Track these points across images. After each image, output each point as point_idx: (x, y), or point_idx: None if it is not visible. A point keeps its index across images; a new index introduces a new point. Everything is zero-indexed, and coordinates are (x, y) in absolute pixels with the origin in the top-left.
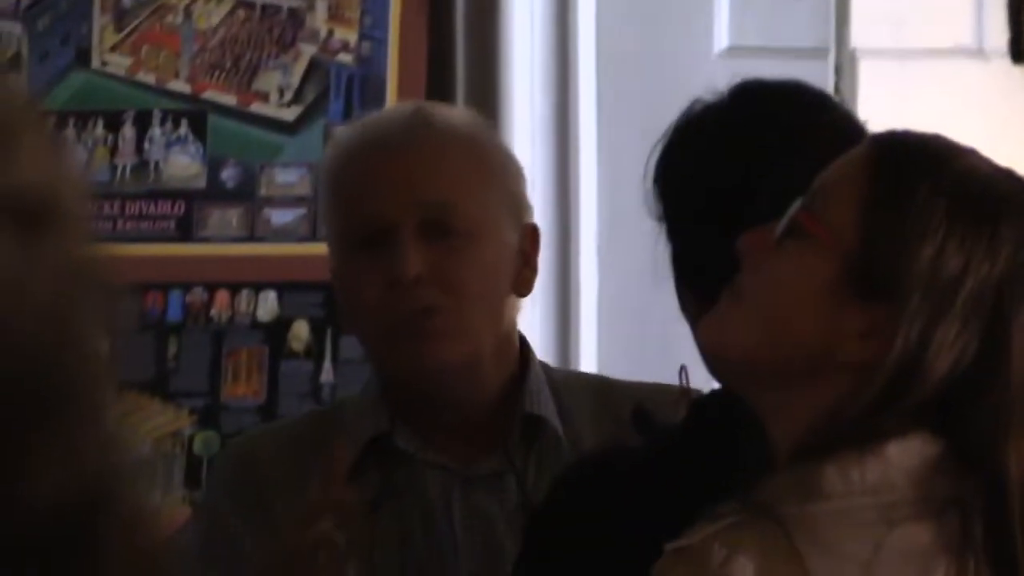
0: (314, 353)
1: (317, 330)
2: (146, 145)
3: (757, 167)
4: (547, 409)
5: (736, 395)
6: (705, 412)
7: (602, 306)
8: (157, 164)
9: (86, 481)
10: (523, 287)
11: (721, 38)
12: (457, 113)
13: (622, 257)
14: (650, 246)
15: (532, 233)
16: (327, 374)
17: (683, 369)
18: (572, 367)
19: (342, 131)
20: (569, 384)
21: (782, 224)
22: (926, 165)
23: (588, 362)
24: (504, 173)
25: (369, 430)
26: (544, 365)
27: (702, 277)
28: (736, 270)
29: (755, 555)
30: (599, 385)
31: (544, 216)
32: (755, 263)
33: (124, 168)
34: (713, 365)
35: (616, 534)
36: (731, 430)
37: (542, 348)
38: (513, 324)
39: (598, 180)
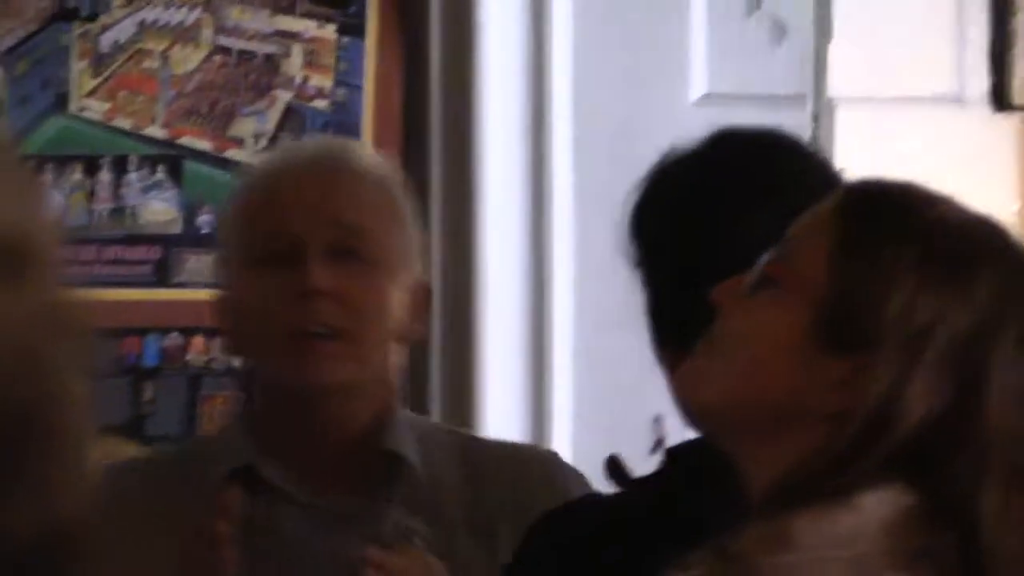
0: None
1: None
2: (123, 190)
3: (732, 216)
4: (409, 449)
5: (711, 444)
6: (680, 461)
7: (577, 354)
8: (134, 209)
9: (58, 521)
10: (411, 335)
11: (698, 85)
12: (377, 158)
13: (597, 305)
14: (626, 293)
15: (425, 291)
16: None
17: (658, 418)
18: (546, 413)
19: (260, 157)
20: (433, 434)
21: (754, 274)
22: (896, 213)
23: (562, 408)
24: (409, 221)
25: (236, 461)
26: (411, 415)
27: (677, 326)
28: (711, 320)
29: None
30: (462, 439)
31: (520, 264)
32: (729, 313)
33: (101, 213)
34: (688, 414)
35: None
36: (705, 479)
37: (516, 393)
38: (393, 366)
39: (574, 230)
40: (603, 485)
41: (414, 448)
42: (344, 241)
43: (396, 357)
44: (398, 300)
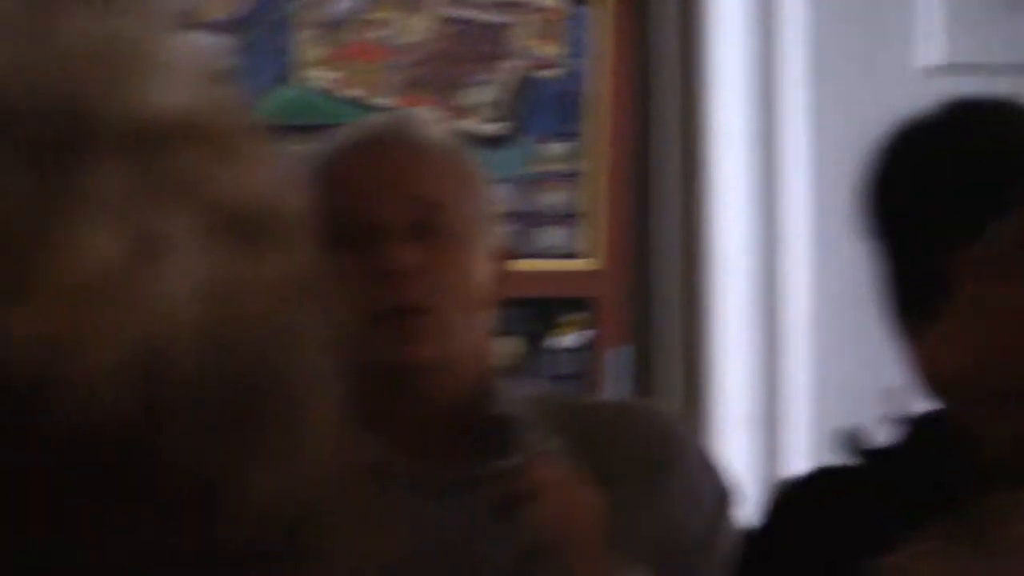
0: (524, 369)
1: (531, 344)
2: None
3: (972, 186)
4: (516, 410)
5: (951, 414)
6: (921, 431)
7: (813, 325)
8: None
9: (304, 492)
10: (493, 300)
11: (935, 54)
12: (441, 126)
13: (833, 275)
14: (862, 264)
15: (504, 254)
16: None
17: (895, 389)
18: (780, 386)
19: (326, 138)
20: (538, 400)
21: (998, 244)
22: None
23: (797, 381)
24: (485, 191)
25: None
26: (514, 384)
27: (918, 296)
28: (953, 290)
29: (966, 574)
30: (568, 401)
31: (753, 234)
32: (972, 283)
33: None
34: (928, 384)
35: (832, 554)
36: (946, 449)
37: (750, 367)
38: (486, 332)
39: (807, 199)
40: (840, 457)
41: (519, 409)
42: (423, 217)
43: (486, 325)
44: (480, 268)
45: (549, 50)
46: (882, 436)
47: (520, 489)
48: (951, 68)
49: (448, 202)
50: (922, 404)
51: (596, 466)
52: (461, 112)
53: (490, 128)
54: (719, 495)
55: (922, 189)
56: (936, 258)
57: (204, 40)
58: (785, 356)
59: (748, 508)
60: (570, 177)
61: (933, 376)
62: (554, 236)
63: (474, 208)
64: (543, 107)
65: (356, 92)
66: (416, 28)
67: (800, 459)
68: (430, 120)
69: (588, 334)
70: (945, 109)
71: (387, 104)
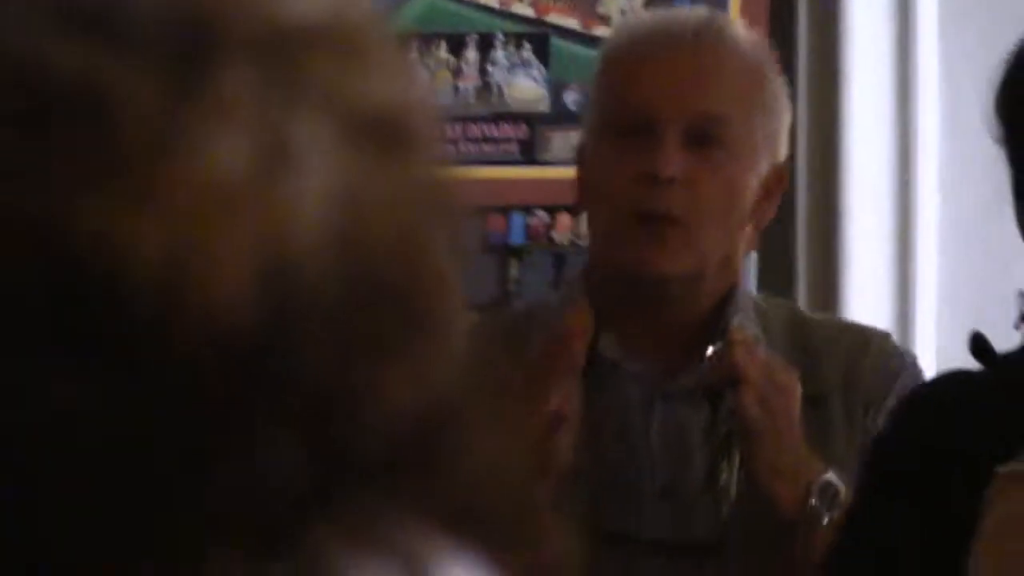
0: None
1: None
2: (489, 68)
3: None
4: (749, 325)
5: None
6: None
7: (943, 230)
8: (500, 87)
9: (432, 399)
10: (759, 220)
11: None
12: (748, 34)
13: (964, 180)
14: (993, 169)
15: (780, 174)
16: None
17: (1022, 294)
18: (911, 291)
19: (630, 19)
20: (770, 310)
21: None
22: None
23: (927, 285)
24: (776, 106)
25: None
26: (749, 293)
27: None
28: None
29: None
30: (798, 316)
31: (887, 140)
32: None
33: (467, 91)
34: None
35: (958, 459)
36: None
37: (881, 272)
38: (737, 249)
39: (940, 105)
40: (969, 362)
41: (754, 325)
42: (703, 128)
43: (743, 238)
44: (752, 187)
45: None
46: (1012, 341)
47: (723, 372)
48: None
49: (733, 117)
50: None
51: (814, 377)
52: (599, 20)
53: None
54: None
55: None
56: None
57: None
58: (916, 262)
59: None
60: None
61: None
62: None
63: (761, 126)
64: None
65: (492, 0)
66: None
67: (931, 365)
68: (738, 26)
69: None
70: None
71: (523, 12)
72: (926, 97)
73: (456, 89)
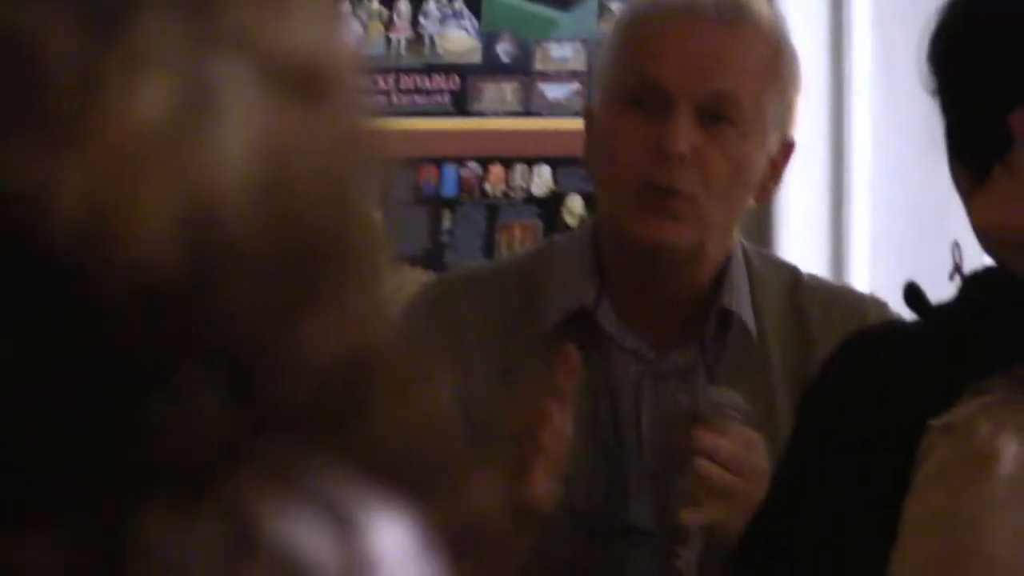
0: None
1: (591, 204)
2: (421, 19)
3: None
4: (743, 306)
5: (1009, 271)
6: (978, 288)
7: (876, 178)
8: (432, 39)
9: (357, 349)
10: (763, 195)
11: None
12: (766, 10)
13: (897, 129)
14: (926, 117)
15: (788, 149)
16: None
17: (955, 245)
18: (844, 242)
19: None
20: (765, 275)
21: None
22: None
23: (861, 241)
24: (790, 82)
25: (573, 302)
26: (744, 251)
27: (975, 152)
28: (1010, 145)
29: (1021, 431)
30: (789, 280)
31: (821, 85)
32: None
33: (399, 42)
34: (985, 241)
35: (889, 412)
36: (1004, 306)
37: (815, 220)
38: (735, 223)
39: (873, 51)
40: (905, 313)
41: (747, 302)
42: (717, 106)
43: (739, 216)
44: (760, 165)
45: None
46: (947, 291)
47: (696, 443)
48: None
49: (747, 96)
50: (984, 259)
51: (807, 362)
52: None
53: None
54: None
55: (981, 45)
56: (990, 115)
57: None
58: (851, 213)
59: None
60: None
61: (986, 232)
62: None
63: (773, 105)
64: None
65: None
66: None
67: None
68: (758, 6)
69: None
70: None
71: None
72: (859, 47)
73: (388, 40)
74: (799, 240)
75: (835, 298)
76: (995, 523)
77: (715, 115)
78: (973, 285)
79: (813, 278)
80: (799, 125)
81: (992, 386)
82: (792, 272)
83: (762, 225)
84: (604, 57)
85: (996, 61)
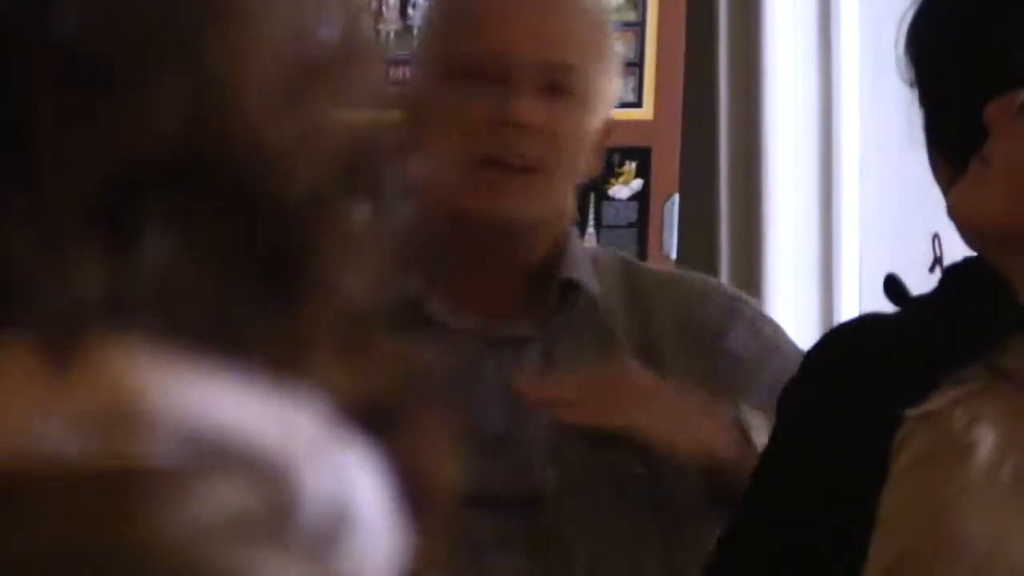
0: (577, 219)
1: (580, 195)
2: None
3: (1010, 30)
4: (585, 275)
5: (987, 262)
6: (957, 279)
7: (865, 176)
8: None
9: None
10: (588, 169)
11: None
12: None
13: (881, 122)
14: (908, 110)
15: (609, 128)
16: (590, 240)
17: (936, 237)
18: (833, 234)
19: None
20: (601, 259)
21: None
22: None
23: (849, 229)
24: (612, 62)
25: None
26: (580, 243)
27: (953, 144)
28: (986, 137)
29: (998, 421)
30: (625, 263)
31: (807, 81)
32: (1003, 130)
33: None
34: (963, 232)
35: (867, 403)
36: (982, 297)
37: (804, 214)
38: (570, 198)
39: (859, 46)
40: (888, 304)
41: (589, 272)
42: (554, 75)
43: (576, 184)
44: (592, 137)
45: None
46: (927, 283)
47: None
48: None
49: (583, 68)
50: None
51: (646, 328)
52: None
53: None
54: (780, 374)
55: (956, 35)
56: (967, 106)
57: None
58: (839, 206)
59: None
60: (629, 27)
61: (963, 224)
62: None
63: (603, 78)
64: None
65: None
66: None
67: (855, 307)
68: None
69: (641, 183)
70: None
71: None
72: (847, 42)
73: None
74: (788, 238)
75: (666, 275)
76: (972, 512)
77: (555, 86)
78: (952, 276)
79: (644, 265)
80: (789, 123)
81: (969, 376)
82: (626, 259)
83: (750, 222)
84: (426, 33)
85: (971, 51)
